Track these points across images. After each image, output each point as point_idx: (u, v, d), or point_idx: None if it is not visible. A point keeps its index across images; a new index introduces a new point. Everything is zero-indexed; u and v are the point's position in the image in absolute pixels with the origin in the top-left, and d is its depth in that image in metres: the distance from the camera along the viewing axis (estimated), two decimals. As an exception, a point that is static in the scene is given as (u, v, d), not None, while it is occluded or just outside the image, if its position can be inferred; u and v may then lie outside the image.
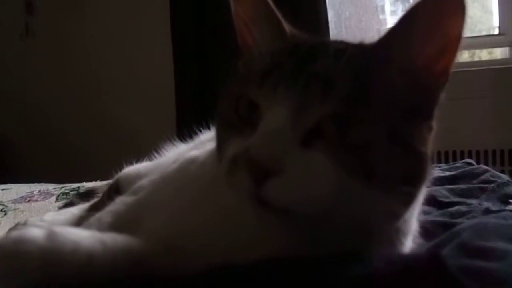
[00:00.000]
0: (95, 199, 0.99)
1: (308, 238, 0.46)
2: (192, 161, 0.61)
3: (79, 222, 0.81)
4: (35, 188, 1.42)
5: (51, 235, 0.46)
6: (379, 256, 0.41)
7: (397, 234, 0.51)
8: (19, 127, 2.60)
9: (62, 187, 1.36)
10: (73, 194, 1.24)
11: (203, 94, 2.07)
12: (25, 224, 0.93)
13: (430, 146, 0.48)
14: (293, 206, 0.43)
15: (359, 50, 0.48)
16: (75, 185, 1.34)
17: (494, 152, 1.98)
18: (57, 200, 1.26)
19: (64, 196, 1.28)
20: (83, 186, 1.31)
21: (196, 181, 0.57)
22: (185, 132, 0.87)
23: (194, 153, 0.64)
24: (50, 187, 1.40)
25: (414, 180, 0.46)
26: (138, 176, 0.85)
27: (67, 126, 2.53)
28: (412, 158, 0.45)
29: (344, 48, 0.48)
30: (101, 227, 0.63)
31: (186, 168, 0.61)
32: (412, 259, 0.40)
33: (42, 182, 1.53)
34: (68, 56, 2.51)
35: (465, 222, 0.61)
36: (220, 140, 0.52)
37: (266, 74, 0.47)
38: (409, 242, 0.54)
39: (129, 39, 2.39)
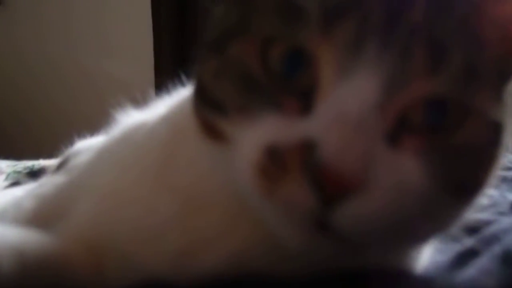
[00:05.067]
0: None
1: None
2: (138, 128, 0.45)
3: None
4: (-14, 165, 1.26)
5: None
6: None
7: None
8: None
9: (16, 165, 1.20)
10: (25, 173, 1.09)
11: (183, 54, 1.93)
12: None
13: None
14: (371, 233, 0.29)
15: None
16: (29, 163, 1.18)
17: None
18: (6, 179, 1.10)
19: (16, 175, 1.12)
20: (39, 164, 1.15)
21: (144, 153, 0.41)
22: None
23: (140, 117, 0.48)
24: (3, 164, 1.24)
25: (490, 181, 0.33)
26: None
27: (40, 97, 2.41)
28: (500, 154, 0.32)
29: None
30: (21, 215, 0.48)
31: (130, 137, 0.44)
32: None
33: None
34: (41, 25, 2.37)
35: (500, 220, 0.47)
36: (224, 103, 0.32)
37: (338, 12, 0.28)
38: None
39: (106, 4, 2.23)
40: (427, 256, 0.40)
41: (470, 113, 0.30)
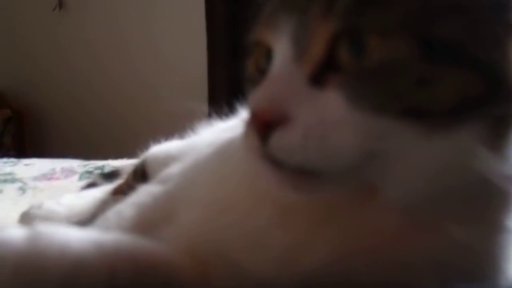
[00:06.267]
0: (119, 181, 0.88)
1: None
2: (230, 143, 0.47)
3: (101, 207, 0.70)
4: (59, 164, 1.32)
5: (34, 237, 0.35)
6: None
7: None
8: (50, 100, 2.61)
9: (86, 165, 1.26)
10: (97, 173, 1.14)
11: (236, 68, 1.95)
12: (39, 207, 0.83)
13: None
14: (308, 161, 0.32)
15: None
16: (99, 163, 1.24)
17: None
18: (80, 179, 1.15)
19: (88, 175, 1.17)
20: (108, 165, 1.20)
21: (239, 163, 0.43)
22: (217, 107, 0.73)
23: (231, 134, 0.50)
24: (74, 164, 1.30)
25: (488, 99, 0.32)
26: (168, 158, 0.72)
27: (97, 99, 2.50)
28: (472, 70, 0.32)
29: None
30: (122, 223, 0.50)
31: (224, 151, 0.47)
32: None
33: (68, 158, 1.44)
34: (100, 30, 2.47)
35: None
36: None
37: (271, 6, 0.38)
38: None
39: (162, 14, 2.31)
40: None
41: (372, 33, 0.32)
